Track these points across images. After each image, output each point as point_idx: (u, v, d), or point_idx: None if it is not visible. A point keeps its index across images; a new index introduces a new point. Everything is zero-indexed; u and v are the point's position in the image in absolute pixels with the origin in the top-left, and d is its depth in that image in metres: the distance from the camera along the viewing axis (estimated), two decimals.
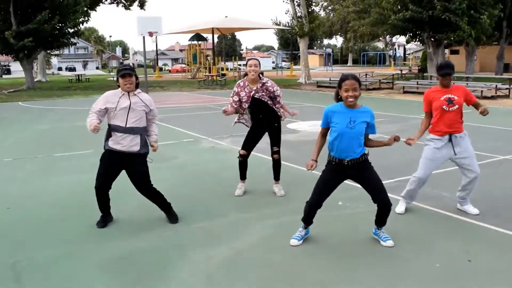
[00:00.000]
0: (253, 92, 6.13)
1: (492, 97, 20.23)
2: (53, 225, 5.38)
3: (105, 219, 5.34)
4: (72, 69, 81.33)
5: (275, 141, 6.38)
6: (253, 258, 4.42)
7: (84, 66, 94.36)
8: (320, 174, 4.64)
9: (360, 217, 5.42)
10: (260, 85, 6.14)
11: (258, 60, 6.29)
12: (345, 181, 4.73)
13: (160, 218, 5.41)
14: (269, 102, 6.22)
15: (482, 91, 20.52)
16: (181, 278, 4.01)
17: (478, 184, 5.54)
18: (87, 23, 33.32)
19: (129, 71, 5.02)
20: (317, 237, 4.88)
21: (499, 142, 9.90)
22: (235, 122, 6.53)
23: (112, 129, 5.08)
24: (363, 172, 4.49)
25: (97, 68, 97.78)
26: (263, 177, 7.20)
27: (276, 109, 6.29)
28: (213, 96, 23.72)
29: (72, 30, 31.37)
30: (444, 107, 5.32)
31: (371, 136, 4.61)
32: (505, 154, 8.66)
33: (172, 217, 5.39)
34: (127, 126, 5.02)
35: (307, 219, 4.73)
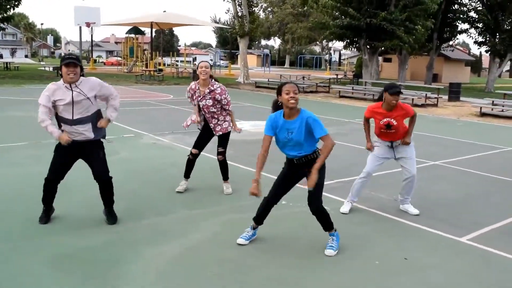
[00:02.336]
0: (201, 97, 6.21)
1: (422, 105, 21.28)
2: None
3: (48, 214, 5.21)
4: None
5: (221, 142, 6.48)
6: (204, 254, 4.51)
7: (12, 53, 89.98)
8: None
9: (305, 215, 5.62)
10: (208, 91, 6.18)
11: (209, 62, 6.37)
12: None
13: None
14: (213, 109, 6.26)
15: (413, 99, 21.53)
16: (132, 274, 4.03)
17: (415, 185, 5.92)
18: (17, 7, 31.83)
19: (74, 60, 4.79)
20: (265, 235, 5.03)
21: (431, 148, 10.49)
22: (187, 126, 6.53)
23: (60, 121, 4.94)
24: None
25: (26, 56, 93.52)
26: (208, 175, 7.30)
27: (222, 116, 6.36)
28: (151, 92, 23.42)
29: (1, 16, 29.91)
30: (382, 130, 5.70)
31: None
32: (435, 159, 9.20)
33: (112, 217, 5.23)
34: (74, 118, 4.90)
35: (260, 218, 4.85)
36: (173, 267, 4.21)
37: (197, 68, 6.23)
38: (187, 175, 6.60)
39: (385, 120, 5.67)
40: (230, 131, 6.51)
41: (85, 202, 5.70)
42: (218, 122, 6.35)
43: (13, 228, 4.96)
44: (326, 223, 4.70)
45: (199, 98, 6.22)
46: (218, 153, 6.50)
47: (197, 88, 6.26)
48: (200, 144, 6.50)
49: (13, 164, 7.65)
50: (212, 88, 6.17)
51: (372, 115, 5.83)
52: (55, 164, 5.07)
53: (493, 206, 6.46)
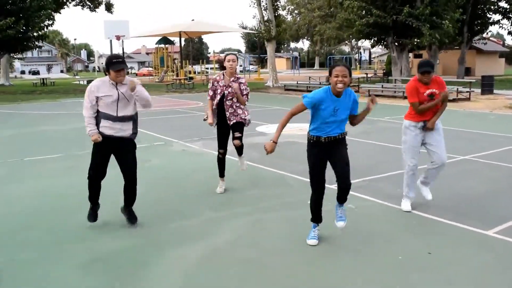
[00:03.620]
0: (226, 85, 6.40)
1: (454, 100, 20.92)
2: (28, 229, 5.43)
3: (95, 211, 5.43)
4: (36, 73, 79.73)
5: (238, 127, 6.57)
6: (229, 255, 4.62)
7: (48, 69, 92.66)
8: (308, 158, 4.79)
9: (328, 215, 5.67)
10: (233, 79, 6.42)
11: (236, 55, 6.56)
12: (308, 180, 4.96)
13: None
14: (235, 99, 6.45)
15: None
16: (159, 276, 4.17)
17: (440, 173, 5.88)
18: (51, 26, 32.92)
19: (123, 65, 5.02)
20: (288, 236, 5.11)
21: (459, 143, 10.35)
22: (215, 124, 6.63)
23: (102, 117, 5.15)
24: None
25: (62, 71, 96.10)
26: (232, 179, 7.41)
27: (240, 109, 6.51)
28: (182, 100, 23.79)
29: (37, 34, 30.94)
30: (425, 102, 5.68)
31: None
32: (464, 154, 9.09)
33: (133, 217, 5.44)
34: (118, 115, 5.16)
35: (318, 215, 4.88)
36: (197, 269, 4.33)
37: (224, 60, 6.44)
38: (221, 174, 6.78)
39: (428, 91, 5.68)
40: (244, 123, 6.61)
41: (112, 207, 5.86)
42: (234, 112, 6.48)
43: (43, 237, 5.17)
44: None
45: (224, 87, 6.39)
46: (235, 138, 6.58)
47: (221, 78, 6.44)
48: (223, 141, 6.65)
49: (43, 176, 7.94)
50: (238, 77, 6.49)
51: (414, 90, 5.75)
52: (94, 161, 5.30)
53: None
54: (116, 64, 4.98)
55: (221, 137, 6.64)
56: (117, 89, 5.11)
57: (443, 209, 5.81)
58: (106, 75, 5.19)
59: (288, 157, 8.70)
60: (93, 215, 5.40)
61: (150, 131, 12.70)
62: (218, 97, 6.45)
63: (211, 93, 6.53)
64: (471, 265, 4.35)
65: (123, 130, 5.19)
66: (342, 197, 4.78)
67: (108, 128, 5.13)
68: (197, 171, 8.17)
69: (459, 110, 17.61)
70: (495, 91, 24.63)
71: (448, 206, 5.92)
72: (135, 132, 5.34)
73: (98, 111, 5.17)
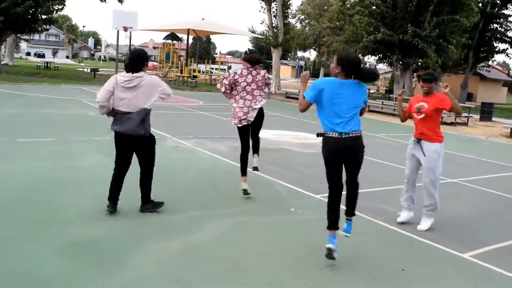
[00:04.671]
0: (251, 79, 6.45)
1: (452, 124, 21.04)
2: (13, 208, 5.49)
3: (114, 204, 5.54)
4: (41, 56, 79.77)
5: (259, 128, 6.78)
6: (207, 252, 4.68)
7: (54, 53, 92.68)
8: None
9: (310, 223, 5.74)
10: (256, 73, 6.55)
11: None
12: (297, 189, 5.04)
13: (120, 208, 5.60)
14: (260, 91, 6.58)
15: (442, 117, 21.26)
16: (134, 266, 4.24)
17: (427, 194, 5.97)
18: (61, 11, 32.95)
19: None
20: (271, 238, 5.18)
21: (452, 166, 10.42)
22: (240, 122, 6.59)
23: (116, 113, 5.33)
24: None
25: (67, 57, 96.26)
26: (221, 179, 7.49)
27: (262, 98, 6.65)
28: (183, 97, 23.84)
29: (45, 16, 31.01)
30: (414, 114, 5.76)
31: None
32: (454, 177, 9.17)
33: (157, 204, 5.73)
34: (131, 110, 5.31)
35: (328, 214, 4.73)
36: (174, 262, 4.39)
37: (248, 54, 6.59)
38: (243, 172, 6.69)
39: (419, 104, 5.78)
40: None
41: (102, 197, 5.91)
42: (256, 105, 6.55)
43: (29, 217, 5.23)
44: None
45: (249, 80, 6.44)
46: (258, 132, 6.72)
47: (246, 73, 6.46)
48: (248, 142, 6.70)
49: (33, 158, 7.99)
50: (260, 70, 6.60)
51: (412, 102, 5.96)
52: (116, 157, 5.51)
53: (502, 226, 6.44)
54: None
55: (246, 137, 6.73)
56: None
57: (424, 228, 5.88)
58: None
59: (279, 165, 8.77)
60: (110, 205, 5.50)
61: None
62: (248, 88, 6.47)
63: (225, 82, 6.53)
64: (441, 285, 4.42)
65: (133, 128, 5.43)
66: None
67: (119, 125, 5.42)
68: (186, 168, 8.23)
69: (455, 133, 17.72)
70: (493, 118, 24.78)
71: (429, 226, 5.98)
72: (147, 130, 5.52)
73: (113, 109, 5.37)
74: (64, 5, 32.38)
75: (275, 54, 35.01)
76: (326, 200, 4.73)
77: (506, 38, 34.90)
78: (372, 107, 25.61)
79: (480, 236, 5.90)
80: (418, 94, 6.09)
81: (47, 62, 41.19)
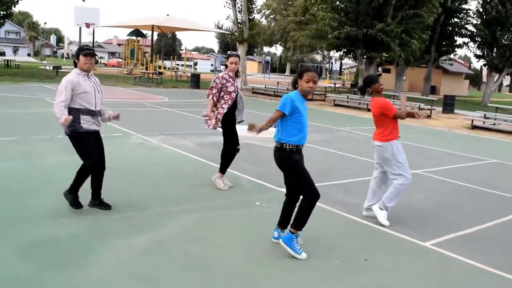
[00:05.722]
0: (238, 86, 6.68)
1: (415, 116, 21.41)
2: None
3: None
4: (1, 54, 77.55)
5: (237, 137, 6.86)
6: (172, 248, 4.66)
7: (15, 51, 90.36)
8: (296, 167, 4.63)
9: (276, 216, 5.76)
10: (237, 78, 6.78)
11: (238, 56, 6.82)
12: (262, 183, 5.06)
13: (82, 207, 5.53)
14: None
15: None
16: (97, 264, 4.18)
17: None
18: (17, 3, 32.09)
19: (92, 51, 5.36)
20: (234, 231, 5.19)
21: (414, 158, 10.62)
22: (214, 127, 6.68)
23: (82, 113, 5.24)
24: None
25: (29, 55, 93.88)
26: (187, 175, 7.45)
27: None
28: (148, 94, 23.60)
29: (4, 12, 30.21)
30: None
31: None
32: (417, 168, 9.35)
33: (107, 204, 5.63)
34: (97, 109, 5.39)
35: (305, 222, 4.70)
36: (138, 259, 4.36)
37: (227, 61, 6.67)
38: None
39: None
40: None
41: (60, 195, 5.81)
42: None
43: None
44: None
45: (238, 88, 6.69)
46: (237, 150, 6.84)
47: (229, 78, 6.61)
48: (236, 139, 6.80)
49: (1, 158, 7.81)
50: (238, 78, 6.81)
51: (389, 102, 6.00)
52: (93, 151, 5.39)
53: (462, 215, 6.62)
54: (86, 50, 5.37)
55: (235, 135, 6.79)
56: (90, 81, 5.40)
57: (387, 219, 5.97)
58: (74, 66, 5.40)
59: (245, 159, 8.78)
60: (78, 202, 5.44)
61: (111, 122, 12.57)
62: (234, 94, 6.61)
63: (214, 91, 6.56)
64: (403, 273, 4.52)
65: (99, 123, 5.62)
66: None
67: (91, 124, 5.45)
68: (152, 164, 8.16)
69: (418, 126, 18.06)
70: (456, 110, 25.37)
71: (392, 217, 6.08)
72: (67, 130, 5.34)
73: (74, 109, 5.29)
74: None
75: (241, 50, 34.96)
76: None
77: (466, 32, 35.68)
78: (337, 101, 25.90)
79: (442, 225, 6.05)
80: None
81: (8, 60, 40.08)
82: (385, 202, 5.88)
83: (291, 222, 4.77)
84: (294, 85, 4.69)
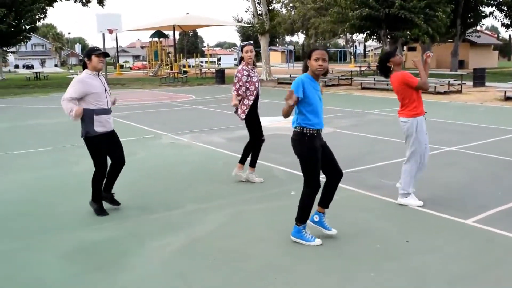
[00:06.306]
0: (256, 76, 6.65)
1: (445, 93, 21.01)
2: (13, 220, 5.47)
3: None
4: (30, 67, 79.42)
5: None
6: (208, 245, 4.67)
7: (42, 63, 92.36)
8: (311, 155, 4.47)
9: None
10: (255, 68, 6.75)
11: (252, 44, 6.77)
12: (296, 172, 5.01)
13: (118, 210, 5.62)
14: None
15: (435, 87, 21.27)
16: (138, 265, 4.23)
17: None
18: (43, 19, 32.87)
19: (103, 51, 5.43)
20: (269, 224, 5.18)
21: (446, 135, 10.43)
22: (243, 115, 6.67)
23: (96, 113, 5.31)
24: (325, 142, 4.66)
25: (56, 65, 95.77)
26: (219, 171, 7.47)
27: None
28: (175, 93, 23.79)
29: (29, 26, 30.90)
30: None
31: None
32: (450, 146, 9.17)
33: (116, 200, 5.72)
34: (109, 107, 5.45)
35: (308, 213, 4.66)
36: (176, 257, 4.39)
37: (242, 51, 6.65)
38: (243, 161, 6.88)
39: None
40: None
41: None
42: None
43: (29, 227, 5.22)
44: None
45: (256, 77, 6.65)
46: (262, 140, 6.80)
47: (249, 69, 6.60)
48: (261, 128, 6.82)
49: (32, 168, 7.97)
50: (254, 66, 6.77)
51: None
52: (104, 157, 5.50)
53: (501, 189, 6.42)
54: (97, 50, 5.46)
55: (260, 126, 6.78)
56: (100, 80, 5.46)
57: (424, 199, 5.84)
58: (83, 68, 5.48)
59: (276, 150, 8.75)
60: (103, 209, 5.53)
61: (141, 124, 12.74)
62: (257, 85, 6.63)
63: (238, 86, 6.53)
64: (446, 252, 4.42)
65: (112, 122, 5.57)
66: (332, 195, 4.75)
67: (103, 126, 5.45)
68: (183, 163, 8.22)
69: (449, 102, 17.68)
70: (487, 83, 24.73)
71: (429, 196, 5.97)
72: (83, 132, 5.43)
73: (90, 110, 5.37)
74: (46, 14, 32.26)
75: (263, 41, 34.86)
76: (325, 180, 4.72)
77: (492, 1, 34.71)
78: (364, 84, 25.57)
79: (481, 201, 5.90)
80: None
81: (36, 73, 41.02)
82: (404, 190, 5.76)
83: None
84: (305, 69, 4.56)
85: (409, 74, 5.66)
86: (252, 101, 6.57)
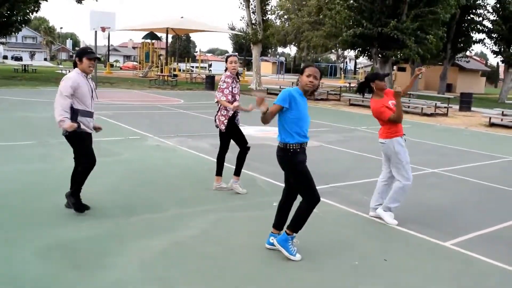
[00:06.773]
0: (237, 86, 6.64)
1: (432, 115, 21.25)
2: None
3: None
4: (19, 59, 78.50)
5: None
6: (190, 249, 4.67)
7: (32, 56, 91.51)
8: (299, 169, 4.47)
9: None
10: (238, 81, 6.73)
11: (236, 55, 6.74)
12: (278, 183, 5.02)
13: (100, 209, 5.58)
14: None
15: (422, 108, 21.52)
16: (116, 265, 4.20)
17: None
18: (36, 12, 32.59)
19: (97, 55, 5.41)
20: (250, 233, 5.18)
21: (431, 156, 10.55)
22: (222, 127, 6.69)
23: (81, 114, 5.29)
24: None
25: (45, 59, 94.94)
26: (204, 176, 7.46)
27: None
28: (163, 96, 23.73)
29: (21, 19, 30.66)
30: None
31: None
32: (434, 167, 9.27)
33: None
34: (93, 111, 5.45)
35: (302, 225, 4.63)
36: (156, 260, 4.37)
37: (226, 62, 6.58)
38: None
39: (390, 102, 5.75)
40: None
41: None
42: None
43: (8, 220, 5.16)
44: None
45: (237, 89, 6.62)
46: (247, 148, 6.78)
47: (233, 79, 6.57)
48: (244, 136, 6.83)
49: (15, 162, 7.88)
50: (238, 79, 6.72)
51: (383, 107, 5.74)
52: (91, 149, 5.47)
53: (482, 213, 6.52)
54: (91, 53, 5.36)
55: (242, 134, 6.80)
56: (89, 82, 5.43)
57: (405, 218, 5.91)
58: (74, 67, 5.41)
59: (260, 160, 8.76)
60: (82, 204, 5.48)
61: (127, 125, 12.67)
62: (238, 97, 6.61)
63: (227, 92, 6.48)
64: (423, 273, 4.46)
65: (91, 125, 5.53)
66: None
67: (87, 127, 5.43)
68: (168, 166, 8.20)
69: (435, 124, 17.88)
70: (472, 108, 25.09)
71: (410, 216, 6.04)
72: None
73: (75, 109, 5.32)
74: (39, 7, 32.01)
75: (255, 51, 35.00)
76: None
77: (483, 28, 35.25)
78: (353, 100, 25.76)
79: (461, 224, 5.98)
80: (377, 101, 5.83)
81: (25, 65, 40.62)
82: (388, 204, 5.82)
83: (287, 223, 4.70)
84: (297, 82, 4.62)
85: (384, 106, 5.70)
86: (231, 112, 6.55)
